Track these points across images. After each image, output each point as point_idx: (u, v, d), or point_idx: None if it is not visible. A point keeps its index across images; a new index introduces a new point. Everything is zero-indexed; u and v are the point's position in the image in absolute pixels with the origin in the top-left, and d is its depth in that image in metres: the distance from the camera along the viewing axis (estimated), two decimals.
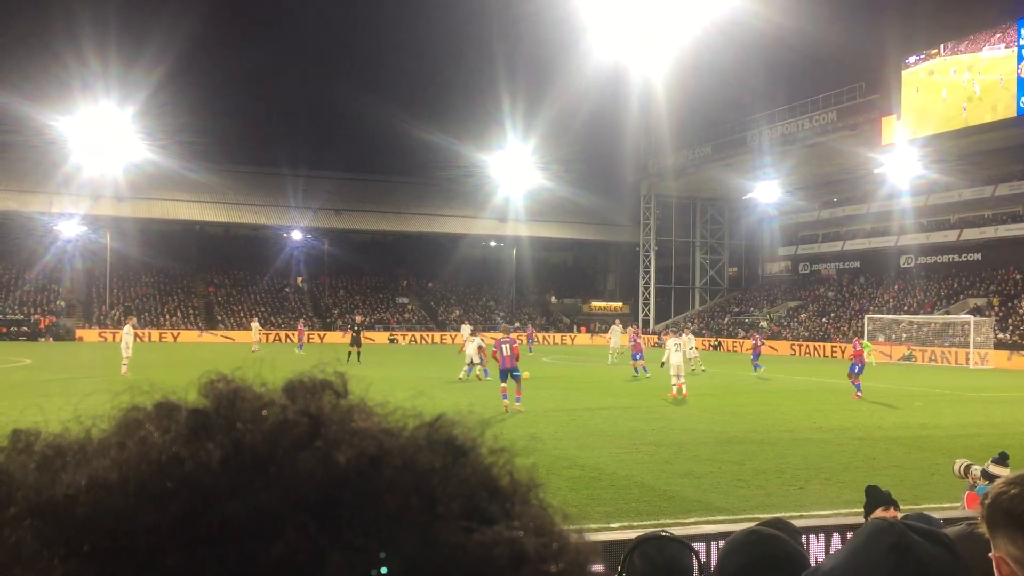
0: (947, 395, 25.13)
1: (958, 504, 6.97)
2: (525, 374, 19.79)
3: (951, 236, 56.33)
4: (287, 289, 70.72)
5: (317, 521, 0.46)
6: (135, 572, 0.45)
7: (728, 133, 64.65)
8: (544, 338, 63.69)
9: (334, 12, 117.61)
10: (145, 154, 61.19)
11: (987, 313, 48.31)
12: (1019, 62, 47.16)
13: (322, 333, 60.76)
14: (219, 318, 64.47)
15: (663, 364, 24.40)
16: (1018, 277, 51.44)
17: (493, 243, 79.48)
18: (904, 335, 50.14)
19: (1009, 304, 49.47)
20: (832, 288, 64.05)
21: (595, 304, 79.02)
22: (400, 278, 74.97)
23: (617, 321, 44.05)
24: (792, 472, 12.22)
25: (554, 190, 71.23)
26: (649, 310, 71.36)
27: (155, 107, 59.49)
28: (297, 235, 70.50)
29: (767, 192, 65.54)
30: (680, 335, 26.38)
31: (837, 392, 24.46)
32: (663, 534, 2.50)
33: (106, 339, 53.37)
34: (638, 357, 29.99)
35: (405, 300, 72.29)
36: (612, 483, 11.21)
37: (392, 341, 61.56)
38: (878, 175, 57.56)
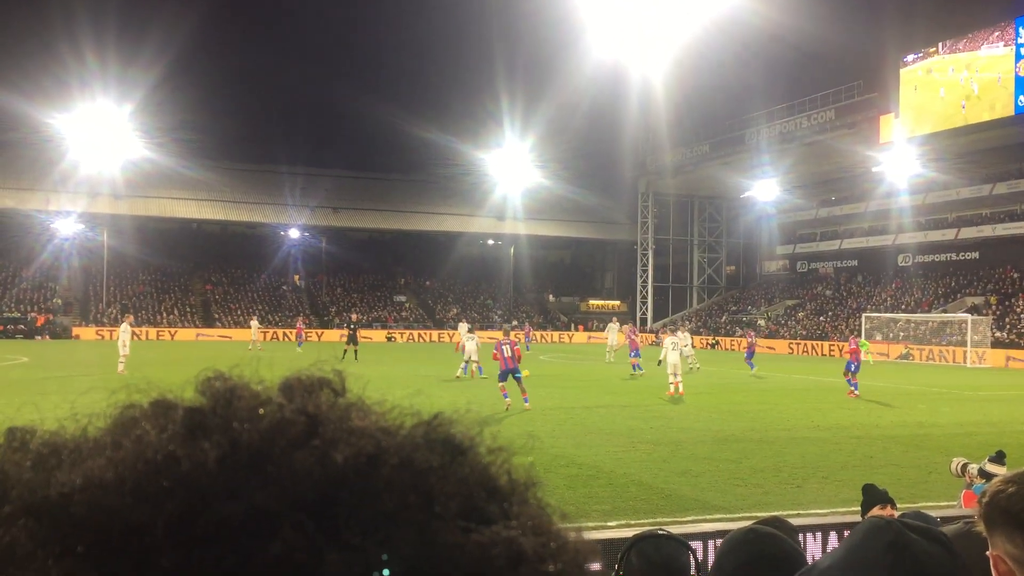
0: (944, 394, 25.15)
1: (955, 502, 6.98)
2: (525, 372, 19.81)
3: (949, 235, 56.39)
4: (284, 287, 70.70)
5: (314, 520, 0.46)
6: (131, 572, 0.45)
7: (726, 131, 64.65)
8: (542, 336, 63.71)
9: (332, 10, 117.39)
10: (142, 152, 61.14)
11: (984, 312, 48.36)
12: (1017, 60, 47.17)
13: (319, 331, 60.78)
14: (216, 316, 64.45)
15: (660, 362, 24.41)
16: (1015, 276, 51.51)
17: (491, 241, 79.49)
18: (901, 334, 50.18)
19: (1006, 303, 49.54)
20: (830, 287, 64.11)
21: (593, 302, 79.02)
22: (398, 276, 74.95)
23: (614, 319, 44.01)
24: (789, 470, 12.23)
25: (552, 188, 71.24)
26: (647, 308, 71.37)
27: (152, 105, 59.56)
28: (294, 233, 70.42)
29: (765, 190, 65.58)
30: (676, 333, 26.42)
31: (834, 391, 24.47)
32: (660, 532, 2.51)
33: (103, 337, 53.28)
34: (634, 355, 30.14)
35: (403, 298, 72.29)
36: (610, 481, 11.21)
37: (390, 339, 61.55)
38: (876, 174, 57.58)
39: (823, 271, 66.86)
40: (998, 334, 45.89)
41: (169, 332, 59.02)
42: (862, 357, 24.71)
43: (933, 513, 4.06)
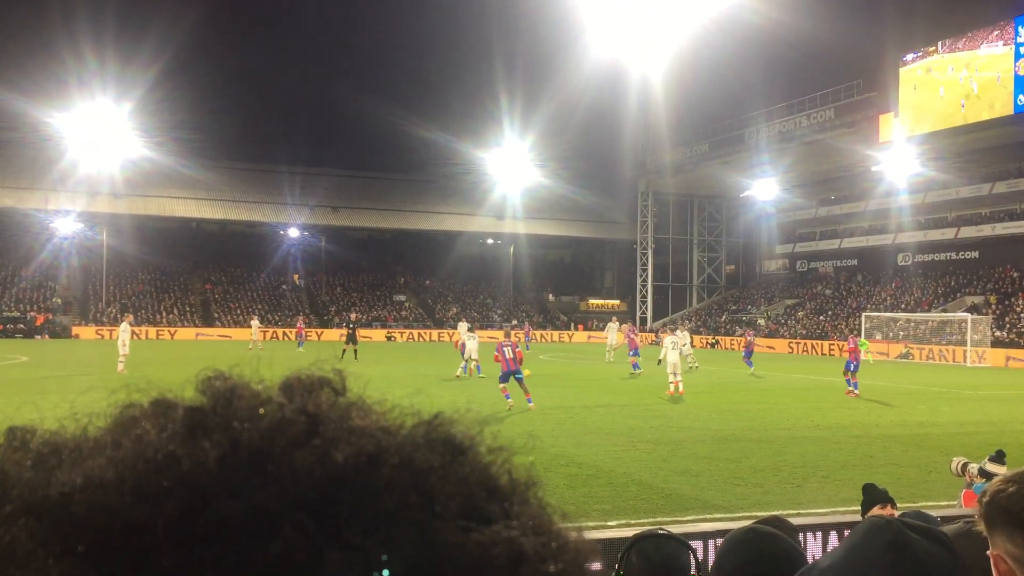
0: (944, 393, 25.14)
1: (955, 502, 6.98)
2: (526, 372, 19.81)
3: (948, 234, 56.40)
4: (284, 286, 70.69)
5: (315, 520, 0.46)
6: (131, 572, 0.45)
7: (726, 130, 64.63)
8: (541, 335, 63.72)
9: (332, 10, 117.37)
10: (142, 151, 61.10)
11: (984, 311, 48.38)
12: (1016, 60, 47.18)
13: (319, 331, 60.77)
14: (216, 315, 64.44)
15: (660, 362, 24.42)
16: (1015, 275, 51.52)
17: (491, 240, 79.48)
18: (901, 333, 50.19)
19: (1006, 302, 49.55)
20: (829, 286, 64.11)
21: (592, 302, 79.04)
22: (397, 275, 74.95)
23: (614, 318, 44.02)
24: (789, 470, 12.23)
25: (552, 187, 71.23)
26: (647, 308, 71.37)
27: (152, 104, 59.54)
28: (294, 232, 70.43)
29: (765, 190, 65.58)
30: (676, 332, 26.41)
31: (834, 390, 24.46)
32: (660, 532, 2.51)
33: (103, 336, 53.30)
34: (633, 354, 30.16)
35: (402, 297, 72.28)
36: (610, 481, 11.21)
37: (389, 339, 61.55)
38: (876, 173, 57.57)
39: (823, 270, 66.86)
40: (998, 333, 45.91)
41: (169, 331, 59.02)
42: (862, 356, 24.74)
43: (933, 512, 4.06)
